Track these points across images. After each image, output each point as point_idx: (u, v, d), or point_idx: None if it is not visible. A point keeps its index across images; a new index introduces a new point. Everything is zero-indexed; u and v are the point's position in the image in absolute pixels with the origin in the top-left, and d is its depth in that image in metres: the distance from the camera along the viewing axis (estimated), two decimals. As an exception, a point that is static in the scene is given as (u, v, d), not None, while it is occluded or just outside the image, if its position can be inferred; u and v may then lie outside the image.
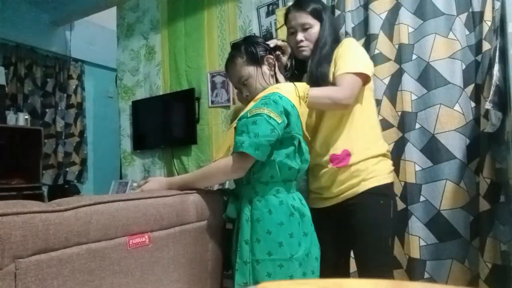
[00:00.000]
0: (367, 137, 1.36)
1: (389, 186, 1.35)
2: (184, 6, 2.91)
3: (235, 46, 1.32)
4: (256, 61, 1.26)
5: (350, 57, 1.34)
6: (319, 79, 1.34)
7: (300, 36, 1.41)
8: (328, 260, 1.32)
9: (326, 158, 1.36)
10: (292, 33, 1.44)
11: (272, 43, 1.33)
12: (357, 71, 1.30)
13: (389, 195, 1.34)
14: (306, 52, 1.42)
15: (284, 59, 1.37)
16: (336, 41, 1.41)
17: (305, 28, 1.40)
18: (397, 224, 1.43)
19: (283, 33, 2.15)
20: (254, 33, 2.46)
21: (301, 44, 1.41)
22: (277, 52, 1.34)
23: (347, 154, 1.33)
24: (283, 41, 1.38)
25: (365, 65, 1.35)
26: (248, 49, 1.26)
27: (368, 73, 1.34)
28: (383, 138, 1.44)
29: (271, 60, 1.28)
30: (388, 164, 1.38)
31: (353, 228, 1.34)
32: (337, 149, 1.35)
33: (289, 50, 1.38)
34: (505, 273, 1.41)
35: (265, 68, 1.27)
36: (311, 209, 1.32)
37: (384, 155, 1.37)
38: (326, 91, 1.30)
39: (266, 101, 1.12)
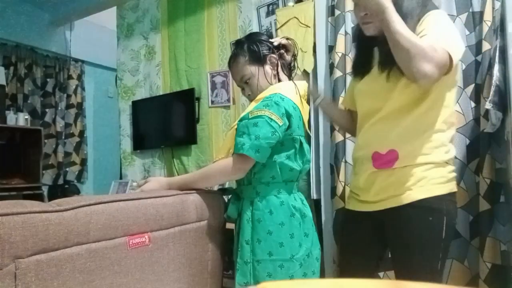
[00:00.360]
0: (427, 142, 1.10)
1: (443, 198, 1.09)
2: (184, 6, 2.91)
3: (238, 44, 1.30)
4: (259, 60, 1.24)
5: (442, 30, 1.04)
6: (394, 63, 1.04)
7: (362, 9, 1.13)
8: (356, 267, 1.24)
9: (368, 154, 1.16)
10: (355, 3, 1.18)
11: (276, 41, 1.28)
12: (449, 51, 0.99)
13: (441, 210, 1.08)
14: (372, 29, 1.15)
15: (288, 57, 1.32)
16: (421, 15, 1.09)
17: None
18: (449, 244, 1.13)
19: (283, 33, 2.15)
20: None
21: (365, 19, 1.15)
22: (281, 51, 1.29)
23: (394, 156, 1.11)
24: (287, 39, 1.32)
25: (458, 50, 1.04)
26: (251, 47, 1.25)
27: (456, 61, 1.02)
28: (452, 143, 1.16)
29: (274, 60, 1.26)
30: (443, 171, 1.11)
31: (392, 246, 1.17)
32: (382, 146, 1.13)
33: (293, 48, 1.32)
34: (505, 273, 1.41)
35: (267, 67, 1.25)
36: (346, 210, 1.29)
37: (443, 163, 1.11)
38: (419, 42, 0.98)
39: (267, 103, 1.12)
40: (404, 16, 1.03)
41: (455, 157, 1.59)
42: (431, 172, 1.09)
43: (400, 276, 1.15)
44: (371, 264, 1.28)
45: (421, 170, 1.09)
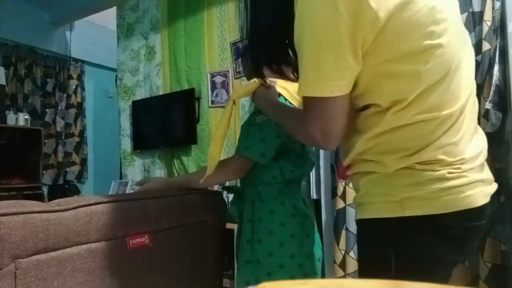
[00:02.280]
0: (372, 142, 0.75)
1: (392, 223, 0.72)
2: (184, 6, 2.91)
3: None
4: None
5: (309, 48, 0.72)
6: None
7: None
8: None
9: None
10: None
11: None
12: (313, 94, 0.73)
13: (384, 239, 0.74)
14: None
15: None
16: None
17: None
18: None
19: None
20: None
21: None
22: None
23: (348, 164, 0.84)
24: None
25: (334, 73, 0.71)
26: None
27: (334, 92, 0.71)
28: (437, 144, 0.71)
29: None
30: (397, 186, 0.72)
31: None
32: (345, 154, 0.85)
33: None
34: (505, 273, 1.41)
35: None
36: None
37: (394, 172, 0.72)
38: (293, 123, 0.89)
39: None
40: None
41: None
42: (375, 185, 0.76)
43: None
44: None
45: (366, 181, 0.78)
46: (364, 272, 0.83)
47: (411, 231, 0.72)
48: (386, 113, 0.72)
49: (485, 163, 0.80)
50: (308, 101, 0.75)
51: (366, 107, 0.76)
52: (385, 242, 0.74)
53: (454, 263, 0.80)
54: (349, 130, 0.80)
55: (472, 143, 0.75)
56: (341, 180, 1.81)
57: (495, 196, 0.80)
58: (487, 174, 0.78)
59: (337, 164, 1.83)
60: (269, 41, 0.88)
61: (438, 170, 0.70)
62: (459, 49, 0.74)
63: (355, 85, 0.74)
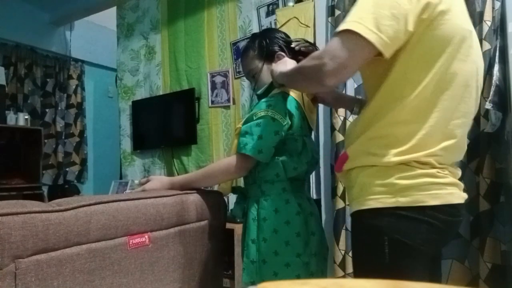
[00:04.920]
0: (376, 138, 0.86)
1: (384, 213, 0.82)
2: (184, 6, 2.91)
3: (252, 37, 1.30)
4: (267, 56, 1.23)
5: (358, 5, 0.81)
6: None
7: None
8: None
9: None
10: None
11: (297, 45, 1.24)
12: (349, 27, 0.78)
13: (379, 227, 0.82)
14: None
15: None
16: None
17: None
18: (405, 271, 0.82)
19: (283, 33, 2.15)
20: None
21: None
22: (299, 57, 1.21)
23: (345, 157, 0.92)
24: (310, 43, 1.27)
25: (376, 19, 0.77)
26: (261, 43, 1.24)
27: (367, 34, 0.76)
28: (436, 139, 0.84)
29: (282, 58, 1.23)
30: (394, 177, 0.82)
31: None
32: (346, 147, 0.96)
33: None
34: (505, 273, 1.41)
35: (275, 65, 1.24)
36: None
37: (394, 166, 0.83)
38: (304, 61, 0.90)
39: (270, 103, 1.13)
40: None
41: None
42: (374, 178, 0.84)
43: None
44: None
45: (365, 174, 0.86)
46: (359, 264, 0.91)
47: (404, 220, 0.81)
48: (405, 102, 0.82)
49: (460, 172, 0.93)
50: (342, 36, 0.79)
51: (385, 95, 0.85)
52: (381, 231, 0.82)
53: (430, 256, 0.89)
54: (364, 117, 0.90)
55: (453, 154, 0.89)
56: (341, 181, 1.81)
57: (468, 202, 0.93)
58: (461, 183, 0.90)
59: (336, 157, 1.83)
60: None
61: (429, 169, 0.83)
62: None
63: (385, 73, 0.84)
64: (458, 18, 0.83)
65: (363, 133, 0.88)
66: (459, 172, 0.92)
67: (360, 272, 0.91)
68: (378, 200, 0.83)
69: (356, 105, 1.20)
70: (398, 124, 0.83)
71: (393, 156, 0.82)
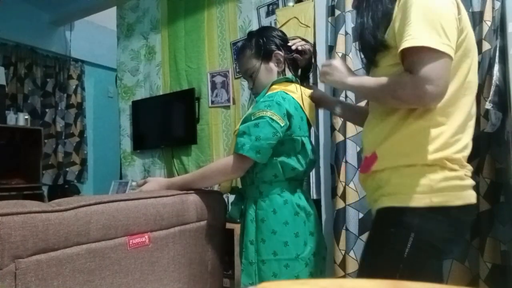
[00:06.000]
0: (408, 138, 0.92)
1: (417, 212, 0.88)
2: (184, 6, 2.91)
3: (249, 36, 1.30)
4: (264, 55, 1.23)
5: (423, 15, 0.84)
6: (370, 48, 0.96)
7: None
8: None
9: (363, 157, 1.07)
10: None
11: (294, 45, 1.26)
12: (437, 47, 0.81)
13: (409, 225, 0.88)
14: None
15: (303, 62, 1.30)
16: None
17: None
18: (416, 269, 0.89)
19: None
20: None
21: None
22: (296, 55, 1.27)
23: (374, 158, 0.97)
24: (306, 41, 1.29)
25: (451, 35, 0.84)
26: (258, 42, 1.24)
27: (451, 53, 0.83)
28: (458, 141, 0.93)
29: (279, 57, 1.25)
30: (429, 176, 0.89)
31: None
32: (369, 148, 1.01)
33: (310, 52, 1.30)
34: (505, 273, 1.41)
35: (272, 64, 1.25)
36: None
37: (431, 165, 0.89)
38: (390, 85, 0.89)
39: (269, 103, 1.12)
40: None
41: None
42: (410, 179, 0.90)
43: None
44: None
45: (399, 174, 0.92)
46: (372, 255, 0.97)
47: (433, 220, 0.88)
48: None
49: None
50: (419, 56, 0.82)
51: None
52: (409, 227, 0.88)
53: (449, 255, 1.00)
54: (392, 119, 0.94)
55: (469, 151, 0.99)
56: (341, 181, 1.81)
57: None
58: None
59: (337, 164, 1.83)
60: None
61: (459, 170, 0.91)
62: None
63: None
64: (472, 36, 0.95)
65: (392, 135, 0.94)
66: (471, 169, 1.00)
67: (369, 262, 0.97)
68: (414, 199, 0.88)
69: (337, 106, 1.22)
70: (430, 125, 0.90)
71: (426, 155, 0.89)
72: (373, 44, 0.94)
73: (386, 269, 0.90)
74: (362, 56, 1.05)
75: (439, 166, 0.89)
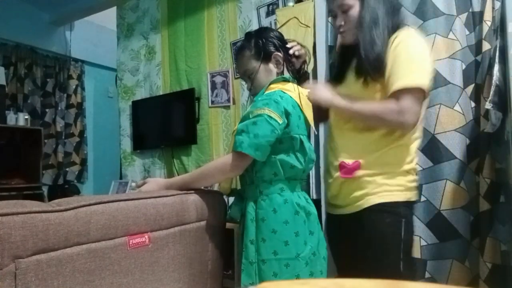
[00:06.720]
0: (390, 154, 1.18)
1: (401, 204, 1.16)
2: (184, 6, 2.91)
3: (247, 36, 1.31)
4: (263, 56, 1.24)
5: (409, 61, 1.12)
6: (371, 66, 1.15)
7: (339, 20, 1.24)
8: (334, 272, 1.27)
9: (337, 163, 1.23)
10: (333, 16, 1.30)
11: (292, 49, 1.29)
12: (418, 85, 1.09)
13: (398, 213, 1.16)
14: (348, 37, 1.24)
15: (297, 64, 1.34)
16: (393, 27, 1.17)
17: (344, 10, 1.22)
18: (410, 250, 1.21)
19: (283, 33, 2.15)
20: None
21: (341, 29, 1.24)
22: (293, 60, 1.31)
23: (357, 166, 1.19)
24: (302, 46, 1.33)
25: (427, 77, 1.12)
26: (257, 43, 1.25)
27: (427, 87, 1.12)
28: (415, 153, 1.23)
29: (278, 58, 1.26)
30: (404, 179, 1.18)
31: (356, 247, 1.19)
32: (350, 156, 1.21)
33: (305, 56, 1.35)
34: (505, 273, 1.41)
35: (271, 65, 1.26)
36: (327, 214, 1.31)
37: (405, 172, 1.19)
38: (380, 109, 1.14)
39: (267, 101, 1.13)
40: (371, 22, 1.16)
41: (455, 157, 1.60)
42: (391, 180, 1.17)
43: (360, 272, 1.06)
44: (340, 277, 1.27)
45: (381, 178, 1.17)
46: (379, 244, 1.15)
47: (408, 210, 1.21)
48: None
49: None
50: (407, 92, 1.09)
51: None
52: (399, 215, 1.16)
53: None
54: (377, 136, 1.19)
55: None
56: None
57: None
58: None
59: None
60: None
61: (415, 176, 1.24)
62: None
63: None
64: None
65: (379, 149, 1.18)
66: None
67: (379, 246, 1.15)
68: (397, 196, 1.17)
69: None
70: (407, 144, 1.19)
71: (403, 165, 1.18)
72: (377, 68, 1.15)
73: (392, 251, 1.15)
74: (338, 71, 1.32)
75: (410, 173, 1.20)
